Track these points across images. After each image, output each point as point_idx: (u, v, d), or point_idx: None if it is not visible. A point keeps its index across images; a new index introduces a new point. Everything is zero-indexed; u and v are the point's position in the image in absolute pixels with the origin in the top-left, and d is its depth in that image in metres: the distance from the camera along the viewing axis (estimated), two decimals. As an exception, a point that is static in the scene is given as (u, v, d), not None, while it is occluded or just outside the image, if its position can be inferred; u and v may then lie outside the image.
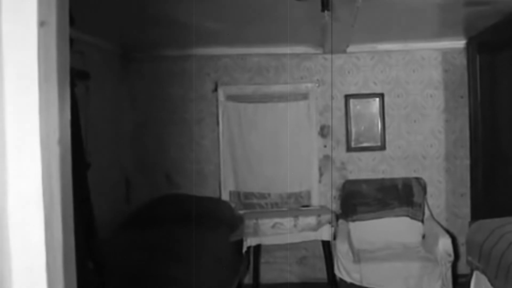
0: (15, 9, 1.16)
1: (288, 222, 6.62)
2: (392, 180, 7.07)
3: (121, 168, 6.91)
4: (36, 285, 1.21)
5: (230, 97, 7.34)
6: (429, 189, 7.13)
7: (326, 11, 4.59)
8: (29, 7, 1.17)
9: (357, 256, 6.29)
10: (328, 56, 7.22)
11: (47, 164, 1.20)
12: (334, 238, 6.55)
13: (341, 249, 6.12)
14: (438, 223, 6.83)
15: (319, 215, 6.69)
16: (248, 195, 7.37)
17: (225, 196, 7.33)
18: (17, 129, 1.17)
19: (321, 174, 7.33)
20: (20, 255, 1.19)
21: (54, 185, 1.24)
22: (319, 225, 6.63)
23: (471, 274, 4.79)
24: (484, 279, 4.35)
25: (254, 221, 6.64)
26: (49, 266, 1.22)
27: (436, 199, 7.21)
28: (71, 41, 1.42)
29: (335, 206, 7.19)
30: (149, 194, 6.96)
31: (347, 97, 7.28)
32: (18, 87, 1.17)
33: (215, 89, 7.30)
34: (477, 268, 4.58)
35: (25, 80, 1.17)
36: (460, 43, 6.99)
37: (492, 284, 4.13)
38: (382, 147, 7.26)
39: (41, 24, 1.18)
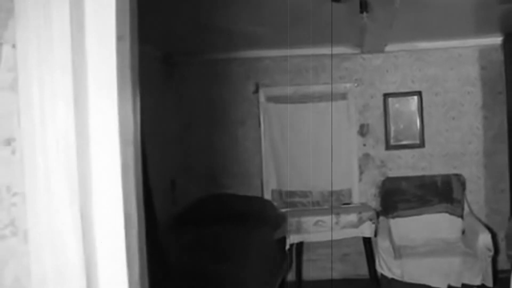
0: (97, 25, 1.34)
1: (329, 219, 6.76)
2: (432, 177, 7.16)
3: (167, 169, 7.09)
4: (118, 271, 1.38)
5: (271, 98, 7.50)
6: (468, 186, 7.20)
7: (364, 13, 4.75)
8: (109, 23, 1.35)
9: (398, 252, 6.40)
10: (367, 55, 7.35)
11: (125, 163, 1.38)
12: (375, 235, 6.67)
13: (382, 245, 6.23)
14: (478, 218, 6.90)
15: (360, 212, 6.81)
16: (290, 194, 7.53)
17: (267, 195, 7.49)
18: (99, 130, 1.36)
19: (361, 172, 7.45)
20: (105, 233, 1.37)
21: (131, 179, 1.42)
22: (360, 222, 6.75)
23: (512, 268, 4.89)
24: (524, 272, 4.45)
25: (297, 219, 6.78)
26: (129, 254, 1.40)
27: (476, 195, 7.27)
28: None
29: (376, 204, 7.30)
30: (194, 195, 7.12)
31: (386, 96, 7.39)
32: (100, 94, 1.35)
33: (256, 91, 7.46)
34: (518, 262, 4.69)
35: (105, 88, 1.35)
36: (497, 40, 7.05)
37: (531, 277, 4.23)
38: (421, 145, 7.35)
39: (119, 38, 1.36)
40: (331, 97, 7.40)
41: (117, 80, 1.37)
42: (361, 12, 4.72)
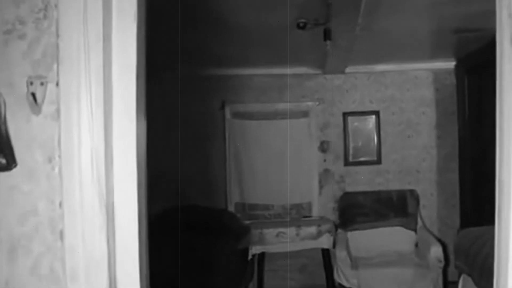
0: (121, 69, 1.68)
1: (290, 231, 7.09)
2: (388, 192, 7.57)
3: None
4: (132, 261, 1.72)
5: (236, 115, 7.83)
6: (422, 201, 7.62)
7: (328, 40, 5.13)
8: (131, 66, 1.69)
9: (355, 263, 6.77)
10: (328, 76, 7.73)
11: (140, 176, 1.73)
12: (334, 246, 7.01)
13: (340, 256, 6.61)
14: (430, 232, 7.31)
15: (319, 225, 7.16)
16: (253, 207, 7.86)
17: (231, 208, 7.80)
18: (121, 151, 1.70)
19: (321, 187, 7.81)
20: (122, 237, 1.71)
21: (142, 190, 1.76)
22: (320, 234, 7.10)
23: (459, 277, 5.29)
24: (470, 280, 4.85)
25: (259, 230, 7.09)
26: (140, 250, 1.74)
27: (429, 210, 7.69)
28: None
29: (334, 217, 7.67)
30: (160, 205, 7.33)
31: (345, 114, 7.79)
32: (122, 122, 1.69)
33: (222, 107, 7.78)
34: (464, 271, 5.09)
35: (127, 118, 1.70)
36: (450, 64, 7.48)
37: (476, 284, 4.63)
38: (378, 161, 7.75)
39: (138, 77, 1.71)
40: (292, 114, 7.76)
41: (136, 110, 1.71)
42: (325, 40, 5.10)
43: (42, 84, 1.65)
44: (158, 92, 7.48)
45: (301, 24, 5.06)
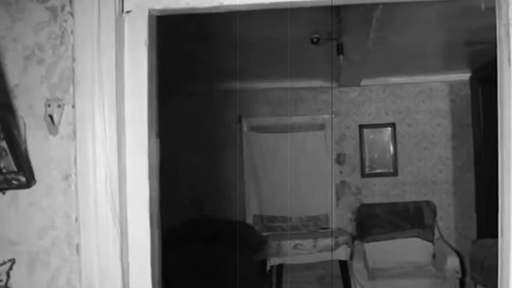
0: (133, 92, 1.78)
1: (308, 243, 7.15)
2: (404, 203, 7.60)
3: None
4: (144, 273, 1.81)
5: (253, 128, 7.93)
6: (439, 212, 7.64)
7: (340, 55, 5.22)
8: (142, 88, 1.79)
9: (372, 274, 6.81)
10: (343, 89, 7.82)
11: (151, 192, 1.82)
12: (351, 258, 7.07)
13: (357, 267, 6.65)
14: (447, 243, 7.32)
15: (336, 237, 7.22)
16: (270, 219, 7.93)
17: (249, 220, 7.88)
18: (133, 169, 1.79)
19: (338, 199, 7.88)
20: (134, 250, 1.80)
21: (154, 205, 1.85)
22: (337, 246, 7.15)
23: (475, 288, 5.34)
24: (485, 292, 4.90)
25: (277, 242, 7.17)
26: (152, 261, 1.83)
27: (446, 221, 7.71)
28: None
29: (351, 228, 7.72)
30: (179, 218, 7.43)
31: (361, 127, 7.85)
32: (135, 142, 1.79)
33: (239, 121, 7.89)
34: (479, 282, 5.13)
35: (139, 138, 1.79)
36: (465, 76, 7.52)
37: (490, 295, 4.67)
38: (394, 173, 7.80)
39: (149, 99, 1.81)
40: (308, 127, 7.85)
41: (148, 130, 1.81)
42: (338, 54, 5.19)
43: (59, 106, 1.76)
44: (176, 106, 7.65)
45: (315, 39, 5.15)
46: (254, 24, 4.80)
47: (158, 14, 1.86)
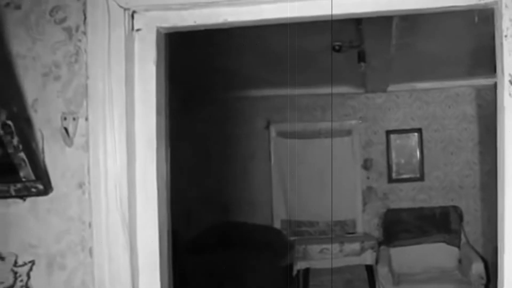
0: (143, 105, 1.91)
1: (334, 248, 7.23)
2: (431, 209, 7.63)
3: (184, 199, 7.57)
4: (153, 277, 1.94)
5: (281, 134, 8.04)
6: (466, 217, 7.65)
7: (362, 63, 5.30)
8: (151, 103, 1.92)
9: (397, 279, 6.86)
10: (370, 95, 7.89)
11: (160, 199, 1.95)
12: (376, 263, 7.12)
13: (382, 272, 6.71)
14: (473, 248, 7.33)
15: (362, 242, 7.29)
16: (298, 223, 8.03)
17: (277, 224, 7.99)
18: (143, 178, 1.92)
19: (364, 204, 7.94)
20: (144, 255, 1.93)
21: (163, 210, 1.98)
22: (363, 250, 7.22)
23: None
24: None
25: (303, 246, 7.26)
26: (162, 265, 1.95)
27: (473, 226, 7.71)
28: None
29: (378, 233, 7.78)
30: (208, 222, 7.57)
31: (388, 132, 7.91)
32: (144, 152, 1.92)
33: (267, 127, 8.01)
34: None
35: (148, 147, 1.92)
36: (491, 80, 7.50)
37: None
38: (421, 178, 7.84)
39: (158, 113, 1.94)
40: (335, 133, 7.92)
41: (156, 141, 1.94)
42: (359, 62, 5.28)
43: (74, 119, 1.90)
44: (207, 114, 7.80)
45: (337, 47, 5.24)
46: (279, 35, 4.91)
47: (166, 31, 1.99)
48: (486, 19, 1.94)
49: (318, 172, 7.94)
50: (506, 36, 1.88)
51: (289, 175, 8.01)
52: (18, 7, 1.92)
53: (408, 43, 5.34)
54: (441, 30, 5.04)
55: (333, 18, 1.97)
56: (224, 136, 7.90)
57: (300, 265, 7.29)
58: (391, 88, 7.78)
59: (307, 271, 7.46)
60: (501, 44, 1.92)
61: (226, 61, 5.89)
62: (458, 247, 7.40)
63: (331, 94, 7.69)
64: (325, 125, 7.97)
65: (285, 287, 6.97)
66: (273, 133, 8.06)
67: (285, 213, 8.05)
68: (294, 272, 7.26)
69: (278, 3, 1.90)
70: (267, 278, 6.33)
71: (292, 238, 7.71)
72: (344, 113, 8.00)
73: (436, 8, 1.92)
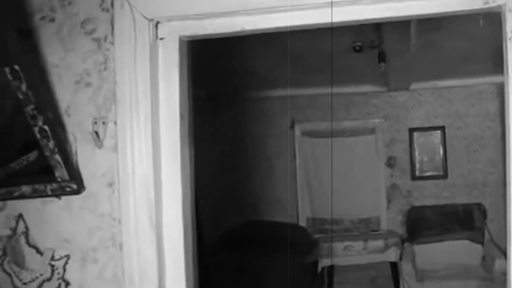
0: (167, 108, 2.05)
1: (358, 245, 7.33)
2: (454, 206, 7.69)
3: (211, 198, 7.70)
4: (179, 272, 2.07)
5: (305, 133, 8.15)
6: (489, 214, 7.68)
7: (382, 63, 5.40)
8: (174, 107, 2.06)
9: (421, 276, 6.94)
10: (393, 93, 7.97)
11: (185, 197, 2.09)
12: (400, 260, 7.20)
13: (406, 269, 6.80)
14: (497, 245, 7.36)
15: (386, 239, 7.37)
16: (323, 221, 8.13)
17: (302, 222, 8.10)
18: (168, 176, 2.06)
19: (388, 201, 8.02)
20: (169, 250, 2.07)
21: (187, 208, 2.11)
22: (387, 247, 7.30)
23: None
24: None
25: (328, 244, 7.36)
26: (187, 260, 2.09)
27: (497, 224, 7.72)
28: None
29: (402, 230, 7.86)
30: (235, 221, 7.71)
31: (411, 130, 7.98)
32: (168, 152, 2.06)
33: (292, 126, 8.13)
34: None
35: (172, 149, 2.06)
36: (515, 78, 7.54)
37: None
38: (444, 176, 7.90)
39: (181, 116, 2.08)
40: (359, 132, 8.02)
41: (180, 142, 2.08)
42: (379, 62, 5.38)
43: (103, 123, 2.04)
44: (235, 114, 7.93)
45: (357, 48, 5.35)
46: (301, 37, 5.02)
47: (187, 39, 2.12)
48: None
49: (342, 170, 8.03)
50: (510, 38, 1.97)
51: (314, 173, 8.12)
52: (52, 20, 2.07)
53: (428, 42, 5.41)
54: (461, 29, 5.11)
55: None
56: (250, 136, 8.01)
57: (324, 262, 7.39)
58: (413, 86, 7.85)
59: (331, 268, 7.55)
60: (506, 46, 2.01)
61: (251, 63, 6.02)
62: (482, 244, 7.45)
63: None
64: (348, 123, 8.06)
65: (311, 284, 7.09)
66: (297, 132, 8.17)
67: (310, 211, 8.16)
68: (319, 269, 7.36)
69: (294, 12, 2.02)
70: (292, 275, 6.44)
71: (317, 236, 7.81)
72: (367, 111, 8.09)
73: (442, 13, 2.01)
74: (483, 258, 7.35)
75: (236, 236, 7.35)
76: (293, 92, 7.89)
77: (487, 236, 7.54)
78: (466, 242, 7.45)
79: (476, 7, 2.00)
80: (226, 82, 7.16)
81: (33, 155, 2.05)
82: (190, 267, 2.15)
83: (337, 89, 7.86)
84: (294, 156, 8.17)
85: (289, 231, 7.53)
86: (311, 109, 8.11)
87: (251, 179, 8.04)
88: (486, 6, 2.00)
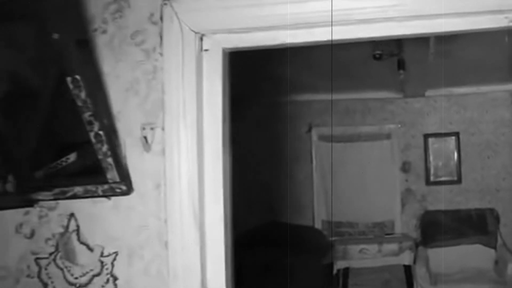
0: (210, 112, 2.19)
1: (373, 248, 7.45)
2: (467, 211, 7.80)
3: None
4: (219, 269, 2.21)
5: (322, 137, 8.28)
6: (502, 219, 7.78)
7: (401, 70, 5.53)
8: (217, 112, 2.20)
9: (434, 279, 7.05)
10: (409, 99, 8.09)
11: (225, 198, 2.23)
12: (414, 263, 7.31)
13: (419, 272, 6.92)
14: (509, 249, 7.46)
15: (400, 242, 7.49)
16: (338, 224, 8.26)
17: (318, 225, 8.23)
18: (211, 178, 2.20)
19: (403, 205, 8.14)
20: (211, 248, 2.21)
21: (227, 208, 2.26)
22: (401, 251, 7.42)
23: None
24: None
25: (343, 246, 7.49)
26: (226, 258, 2.23)
27: (510, 229, 7.83)
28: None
29: (416, 234, 7.97)
30: (252, 222, 7.78)
31: (426, 136, 8.10)
32: (211, 156, 2.20)
33: (309, 130, 8.26)
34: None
35: (215, 152, 2.20)
36: (529, 86, 7.67)
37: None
38: (458, 181, 8.01)
39: (224, 121, 2.22)
40: (374, 137, 8.14)
41: (222, 147, 2.22)
42: (399, 69, 5.50)
43: (151, 129, 2.18)
44: (254, 118, 8.04)
45: (377, 55, 5.48)
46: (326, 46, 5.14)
47: (229, 51, 2.27)
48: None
49: (358, 174, 8.16)
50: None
51: (330, 177, 8.24)
52: (104, 31, 2.22)
53: (446, 50, 5.52)
54: (477, 37, 5.21)
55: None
56: (267, 139, 8.12)
57: (340, 265, 7.51)
58: (429, 93, 7.97)
59: (346, 270, 7.67)
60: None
61: (273, 69, 6.14)
62: (495, 248, 7.56)
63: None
64: (365, 129, 8.19)
65: (326, 286, 7.21)
66: (314, 136, 8.30)
67: (326, 214, 8.28)
68: (334, 271, 7.48)
69: (328, 27, 2.16)
70: (309, 276, 6.57)
71: (332, 239, 7.93)
72: (383, 117, 8.21)
73: (467, 30, 2.13)
74: (496, 262, 7.44)
75: (255, 237, 7.45)
76: (312, 97, 8.01)
77: (500, 240, 7.63)
78: (479, 246, 7.56)
79: (502, 25, 2.11)
80: (246, 86, 7.28)
81: (72, 157, 2.20)
82: (229, 265, 2.28)
83: (354, 95, 8.00)
84: (311, 160, 8.30)
85: (306, 233, 7.66)
86: (329, 113, 8.20)
87: (270, 181, 8.13)
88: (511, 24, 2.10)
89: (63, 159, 2.22)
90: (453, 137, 8.06)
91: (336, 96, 8.03)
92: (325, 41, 2.19)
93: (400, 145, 8.18)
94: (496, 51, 5.87)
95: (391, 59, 5.53)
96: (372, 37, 2.19)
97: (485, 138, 7.98)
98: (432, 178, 8.12)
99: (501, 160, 7.93)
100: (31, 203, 2.25)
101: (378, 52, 5.44)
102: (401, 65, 5.51)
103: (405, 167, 8.16)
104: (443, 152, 8.12)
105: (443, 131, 8.09)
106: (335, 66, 6.13)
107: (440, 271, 7.35)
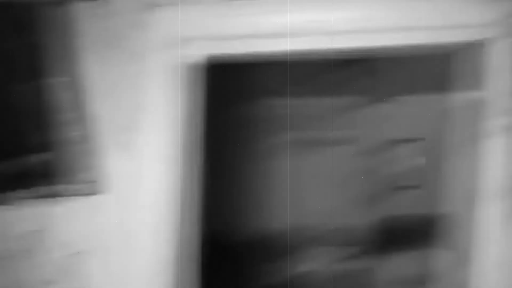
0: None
1: (334, 251, 7.43)
2: (429, 216, 7.83)
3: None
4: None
5: (287, 142, 8.23)
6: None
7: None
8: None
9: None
10: (375, 104, 8.07)
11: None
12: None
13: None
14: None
15: (362, 247, 7.48)
16: (300, 228, 8.21)
17: (279, 229, 8.18)
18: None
19: (366, 211, 8.10)
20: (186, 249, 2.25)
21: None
22: (363, 255, 7.41)
23: None
24: None
25: (304, 250, 7.45)
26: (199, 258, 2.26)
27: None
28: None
29: (379, 239, 7.99)
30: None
31: (391, 141, 8.12)
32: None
33: (273, 135, 8.22)
34: None
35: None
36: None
37: None
38: (420, 187, 8.03)
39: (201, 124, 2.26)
40: (338, 141, 8.16)
41: (198, 150, 2.26)
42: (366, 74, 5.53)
43: (128, 131, 2.22)
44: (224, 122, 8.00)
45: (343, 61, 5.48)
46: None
47: (211, 58, 2.33)
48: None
49: (321, 179, 8.15)
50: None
51: (292, 182, 8.22)
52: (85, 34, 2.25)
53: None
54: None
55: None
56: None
57: (300, 268, 7.49)
58: (397, 98, 7.99)
59: (306, 274, 7.65)
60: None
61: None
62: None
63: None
64: (328, 134, 8.19)
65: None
66: (279, 141, 8.26)
67: (286, 218, 8.26)
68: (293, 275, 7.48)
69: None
70: (265, 280, 6.60)
71: (293, 242, 7.91)
72: (347, 122, 8.21)
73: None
74: None
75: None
76: (276, 102, 7.98)
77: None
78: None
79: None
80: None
81: (46, 156, 2.21)
82: (200, 264, 2.35)
83: (318, 100, 7.98)
84: (275, 164, 8.25)
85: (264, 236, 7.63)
86: (293, 118, 8.16)
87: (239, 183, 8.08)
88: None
89: (37, 158, 2.22)
90: (419, 142, 8.07)
91: (298, 101, 8.01)
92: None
93: (365, 150, 8.18)
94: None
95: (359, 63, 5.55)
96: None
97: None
98: (396, 184, 8.13)
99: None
100: (1, 202, 2.26)
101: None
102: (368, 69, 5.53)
103: (369, 173, 8.17)
104: (409, 157, 8.14)
105: (409, 136, 8.09)
106: (299, 71, 6.17)
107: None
